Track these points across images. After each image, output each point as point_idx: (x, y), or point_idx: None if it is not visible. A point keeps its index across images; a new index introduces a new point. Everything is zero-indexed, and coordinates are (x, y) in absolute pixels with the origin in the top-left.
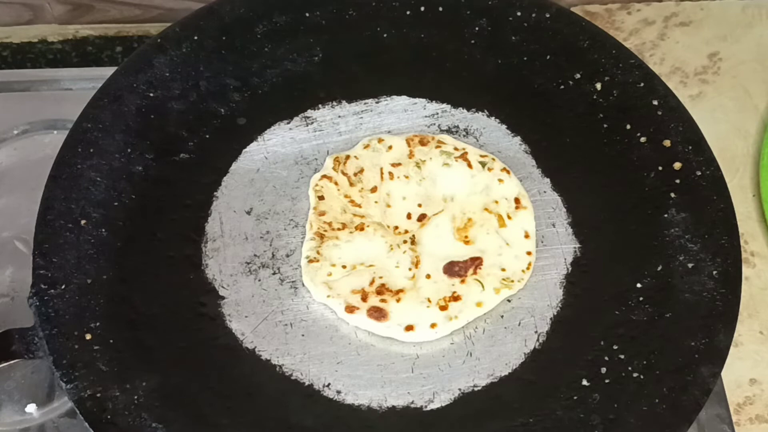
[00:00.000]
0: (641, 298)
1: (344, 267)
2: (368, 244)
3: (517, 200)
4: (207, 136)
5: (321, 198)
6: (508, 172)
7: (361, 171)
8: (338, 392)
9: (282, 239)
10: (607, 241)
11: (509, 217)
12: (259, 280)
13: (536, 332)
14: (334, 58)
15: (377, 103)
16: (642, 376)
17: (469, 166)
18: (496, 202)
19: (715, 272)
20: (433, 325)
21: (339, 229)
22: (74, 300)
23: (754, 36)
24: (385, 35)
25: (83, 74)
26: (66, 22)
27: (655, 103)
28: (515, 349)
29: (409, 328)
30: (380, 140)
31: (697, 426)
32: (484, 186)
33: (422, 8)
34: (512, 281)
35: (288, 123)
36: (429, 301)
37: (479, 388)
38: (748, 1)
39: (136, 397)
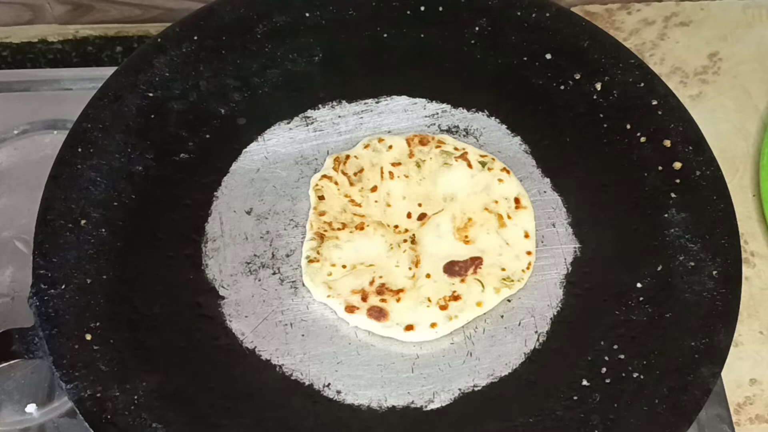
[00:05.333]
0: (641, 298)
1: (344, 267)
2: (368, 244)
3: (517, 200)
4: (207, 136)
5: (321, 198)
6: (508, 172)
7: (361, 171)
8: (338, 392)
9: (282, 239)
10: (607, 241)
11: (509, 217)
12: (259, 280)
13: (536, 332)
14: (334, 58)
15: (377, 103)
16: (642, 376)
17: (469, 165)
18: (496, 201)
19: (715, 272)
20: (433, 325)
21: (339, 229)
22: (74, 300)
23: (754, 36)
24: (385, 35)
25: (83, 74)
26: (66, 22)
27: (655, 103)
28: (515, 349)
29: (409, 327)
30: (380, 140)
31: (697, 426)
32: (484, 186)
33: (422, 8)
34: (512, 281)
35: (288, 123)
36: (429, 300)
37: (479, 388)
38: (748, 1)
39: (136, 398)
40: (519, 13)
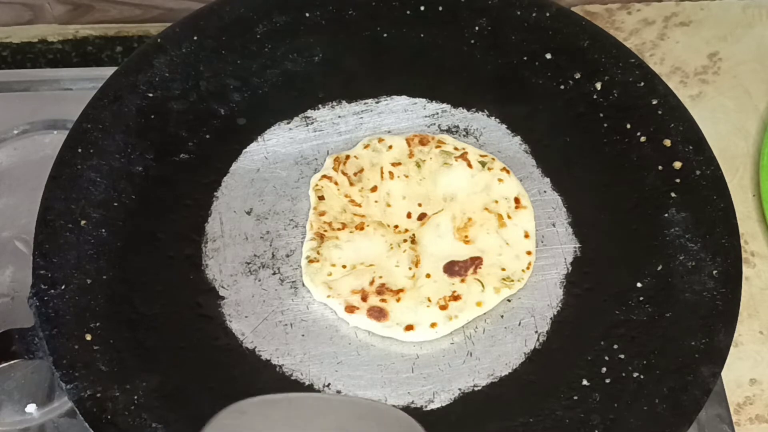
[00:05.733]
0: (641, 298)
1: (344, 267)
2: (368, 244)
3: (516, 200)
4: (207, 136)
5: (321, 198)
6: (507, 171)
7: (361, 171)
8: (338, 392)
9: (282, 239)
10: (607, 241)
11: (509, 217)
12: (259, 280)
13: (536, 332)
14: (334, 58)
15: (377, 103)
16: (642, 376)
17: (469, 165)
18: (496, 201)
19: (715, 272)
20: (433, 325)
21: (339, 229)
22: (74, 300)
23: (754, 36)
24: (385, 35)
25: (83, 74)
26: (66, 22)
27: (655, 102)
28: (515, 349)
29: (409, 327)
30: (380, 140)
31: (697, 426)
32: (484, 186)
33: (422, 8)
34: (512, 281)
35: (288, 123)
36: (429, 300)
37: (479, 388)
38: (748, 1)
39: (136, 398)
40: (519, 13)
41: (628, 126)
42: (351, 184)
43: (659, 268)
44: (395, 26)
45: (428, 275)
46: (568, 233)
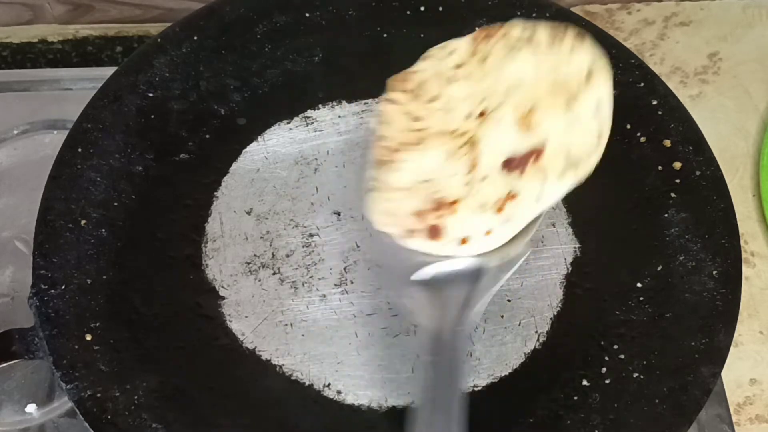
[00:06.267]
0: (641, 298)
1: (401, 189)
2: (425, 159)
3: (590, 71)
4: (207, 136)
5: (381, 123)
6: (582, 37)
7: (423, 83)
8: (338, 392)
9: (282, 239)
10: (607, 241)
11: (580, 92)
12: (259, 280)
13: (536, 332)
14: (334, 58)
15: (377, 103)
16: (642, 376)
17: (537, 46)
18: (566, 80)
19: (715, 272)
20: (487, 233)
21: (397, 150)
22: (74, 300)
23: (754, 36)
24: (385, 35)
25: (83, 74)
26: (66, 22)
27: (655, 102)
28: (515, 349)
29: (464, 241)
30: (442, 47)
31: (697, 426)
32: (552, 66)
33: (422, 8)
34: (578, 163)
35: (288, 123)
36: (484, 206)
37: (479, 388)
38: (748, 1)
39: (136, 398)
40: (519, 13)
41: (628, 126)
42: (412, 99)
43: (659, 268)
44: (395, 26)
45: (484, 177)
46: (568, 233)
